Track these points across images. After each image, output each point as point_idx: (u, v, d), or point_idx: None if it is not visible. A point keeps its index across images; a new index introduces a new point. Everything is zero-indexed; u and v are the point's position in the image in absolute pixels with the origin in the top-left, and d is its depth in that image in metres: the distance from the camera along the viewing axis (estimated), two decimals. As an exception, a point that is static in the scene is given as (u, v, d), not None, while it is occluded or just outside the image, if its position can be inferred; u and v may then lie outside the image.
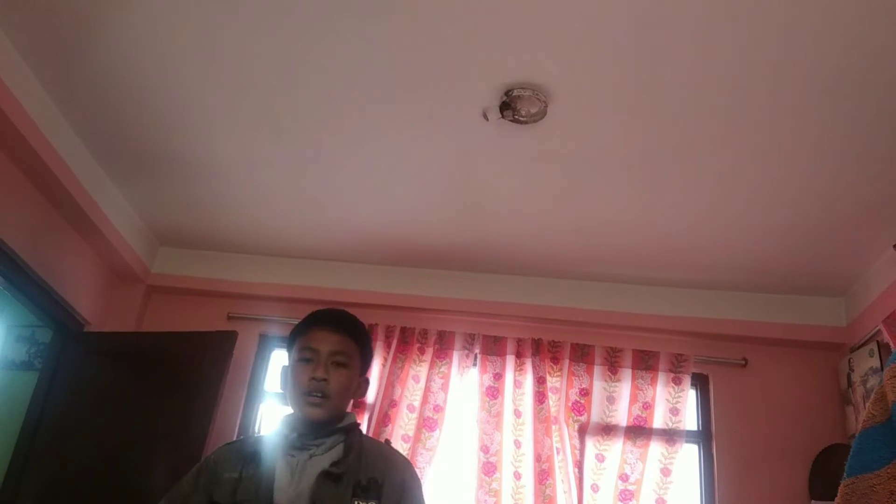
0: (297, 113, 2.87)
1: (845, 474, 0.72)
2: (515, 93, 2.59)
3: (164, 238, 4.05)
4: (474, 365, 3.72)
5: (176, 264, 4.08)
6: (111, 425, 3.40)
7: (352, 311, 3.98)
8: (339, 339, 1.87)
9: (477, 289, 3.91)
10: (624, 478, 3.47)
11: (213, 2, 2.37)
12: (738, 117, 2.62)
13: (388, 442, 2.29)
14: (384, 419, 3.56)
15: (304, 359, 1.85)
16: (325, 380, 1.81)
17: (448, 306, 3.87)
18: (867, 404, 0.76)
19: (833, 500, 2.96)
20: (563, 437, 3.51)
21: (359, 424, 1.96)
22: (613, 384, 3.66)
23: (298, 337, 1.90)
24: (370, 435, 3.52)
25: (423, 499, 1.81)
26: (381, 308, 3.88)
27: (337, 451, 1.78)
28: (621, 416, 3.60)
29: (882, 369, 3.22)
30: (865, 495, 0.66)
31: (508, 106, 2.64)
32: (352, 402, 1.97)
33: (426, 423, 3.56)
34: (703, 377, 3.79)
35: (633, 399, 3.62)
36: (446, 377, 3.67)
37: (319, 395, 1.79)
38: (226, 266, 4.03)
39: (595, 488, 3.46)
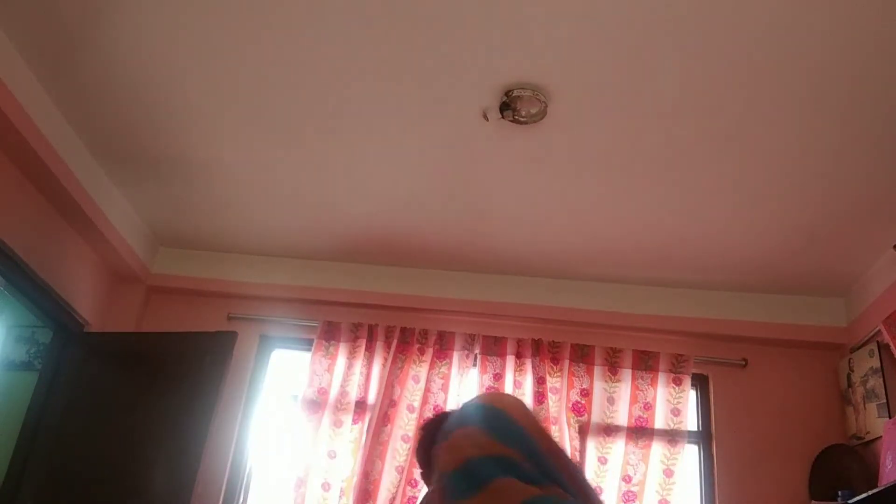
0: (297, 114, 2.87)
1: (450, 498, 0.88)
2: (515, 93, 2.59)
3: (164, 238, 4.05)
4: (474, 365, 3.72)
5: (176, 264, 4.07)
6: (111, 425, 3.41)
7: (352, 310, 3.99)
8: None
9: (477, 289, 3.90)
10: (627, 479, 3.46)
11: (212, 3, 2.37)
12: (739, 118, 2.62)
13: None
14: (384, 419, 3.56)
15: None
16: None
17: (448, 306, 3.87)
18: (441, 453, 0.91)
19: (834, 500, 2.95)
20: (562, 438, 3.51)
21: None
22: (614, 385, 3.66)
23: None
24: (370, 435, 3.52)
25: None
26: (381, 308, 3.88)
27: None
28: (622, 416, 3.60)
29: (882, 369, 3.22)
30: None
31: (508, 106, 2.64)
32: None
33: (426, 424, 3.56)
34: (703, 377, 3.78)
35: (634, 399, 3.62)
36: (446, 377, 3.67)
37: None
38: (226, 266, 4.03)
39: (598, 491, 3.45)
